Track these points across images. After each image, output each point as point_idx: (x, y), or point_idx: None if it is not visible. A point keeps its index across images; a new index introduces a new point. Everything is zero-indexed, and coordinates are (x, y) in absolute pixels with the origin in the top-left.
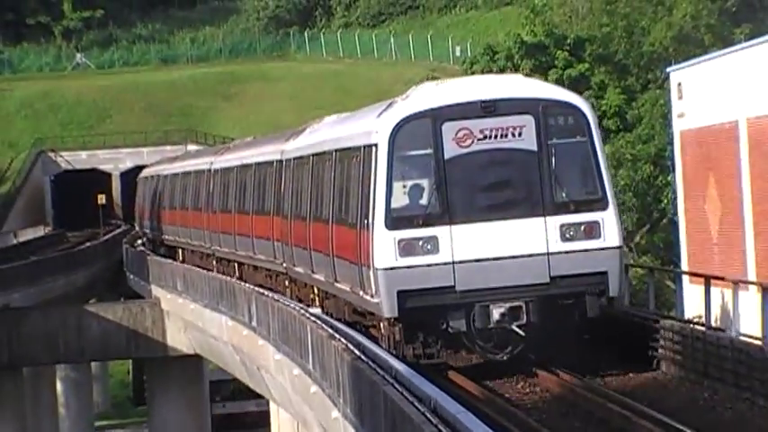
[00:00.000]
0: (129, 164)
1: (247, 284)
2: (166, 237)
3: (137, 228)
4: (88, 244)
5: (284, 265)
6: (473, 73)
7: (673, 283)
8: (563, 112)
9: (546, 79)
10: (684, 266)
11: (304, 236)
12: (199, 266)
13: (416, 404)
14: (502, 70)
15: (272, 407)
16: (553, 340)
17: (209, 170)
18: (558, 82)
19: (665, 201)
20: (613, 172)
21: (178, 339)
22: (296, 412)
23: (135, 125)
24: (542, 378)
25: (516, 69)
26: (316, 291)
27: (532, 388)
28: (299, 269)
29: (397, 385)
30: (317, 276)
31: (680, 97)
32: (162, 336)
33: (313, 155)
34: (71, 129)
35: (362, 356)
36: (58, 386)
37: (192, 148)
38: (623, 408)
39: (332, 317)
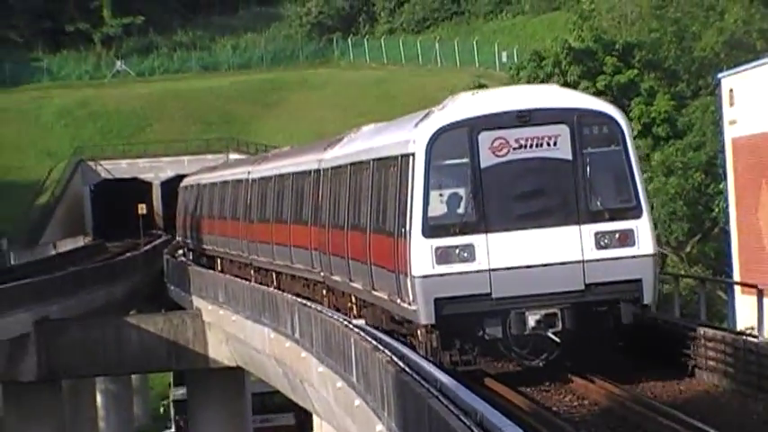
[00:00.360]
0: (169, 173)
1: (289, 295)
2: (206, 247)
3: (178, 238)
4: (128, 254)
5: (322, 273)
6: (520, 79)
7: (724, 294)
8: (597, 121)
9: (594, 85)
10: (736, 276)
11: (342, 244)
12: (237, 276)
13: (462, 417)
14: (549, 76)
15: (316, 420)
16: (589, 347)
17: (247, 179)
18: (607, 88)
19: (717, 209)
20: (664, 180)
21: (219, 351)
22: (339, 425)
23: (175, 133)
24: (588, 389)
25: (564, 75)
26: (353, 299)
27: (580, 401)
28: (336, 278)
29: (441, 398)
30: (354, 284)
31: (731, 104)
32: (203, 348)
33: (351, 164)
34: (111, 137)
35: (407, 369)
36: (98, 399)
37: (233, 156)
38: (675, 422)
39: (369, 325)
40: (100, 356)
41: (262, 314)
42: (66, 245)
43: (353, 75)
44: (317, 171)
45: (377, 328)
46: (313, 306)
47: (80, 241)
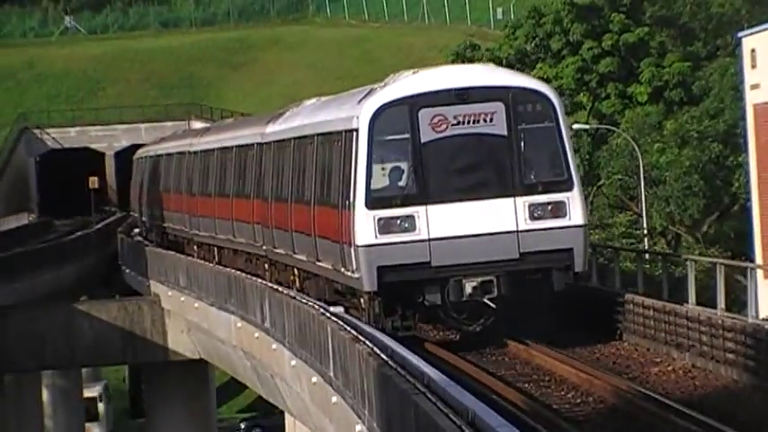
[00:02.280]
0: (124, 142)
1: (259, 280)
2: (161, 224)
3: (133, 214)
4: (78, 234)
5: (264, 247)
6: (516, 39)
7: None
8: (531, 99)
9: (600, 45)
10: (758, 259)
11: (285, 218)
12: (176, 251)
13: (452, 416)
14: (549, 35)
15: (288, 419)
16: (524, 313)
17: (189, 152)
18: (614, 48)
19: (737, 184)
20: (677, 151)
21: (180, 342)
22: (315, 425)
23: (131, 98)
24: (595, 386)
25: (566, 34)
26: (296, 272)
27: (584, 398)
28: (279, 251)
29: (429, 395)
30: (298, 257)
31: (753, 66)
32: (162, 338)
33: (294, 138)
34: (59, 103)
35: (390, 362)
36: (45, 395)
37: (196, 124)
38: (692, 423)
39: (312, 298)
40: (47, 348)
41: (228, 300)
42: (9, 223)
43: (331, 33)
44: (260, 145)
45: (319, 300)
46: (285, 292)
47: (24, 219)
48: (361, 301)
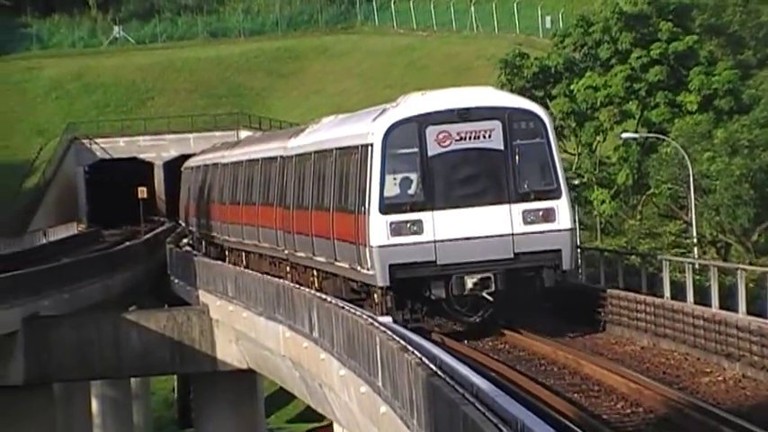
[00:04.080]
0: (173, 152)
1: (307, 290)
2: (214, 234)
3: (182, 225)
4: (127, 244)
5: (286, 251)
6: (564, 47)
7: None
8: (525, 117)
9: (649, 54)
10: None
11: (306, 223)
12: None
13: (501, 426)
14: (598, 44)
15: (337, 429)
16: (518, 306)
17: (220, 163)
18: (663, 57)
19: None
20: (727, 160)
21: (229, 352)
22: None
23: (180, 108)
24: (645, 396)
25: (614, 43)
26: (315, 273)
27: (634, 408)
28: (300, 254)
29: (478, 404)
30: (318, 258)
31: None
32: (210, 348)
33: (315, 152)
34: (108, 113)
35: (439, 372)
36: (94, 405)
37: (244, 133)
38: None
39: (329, 295)
40: (95, 358)
41: (276, 310)
42: (59, 233)
43: (379, 42)
44: (283, 157)
45: (337, 297)
46: (334, 302)
47: (73, 229)
48: (375, 296)
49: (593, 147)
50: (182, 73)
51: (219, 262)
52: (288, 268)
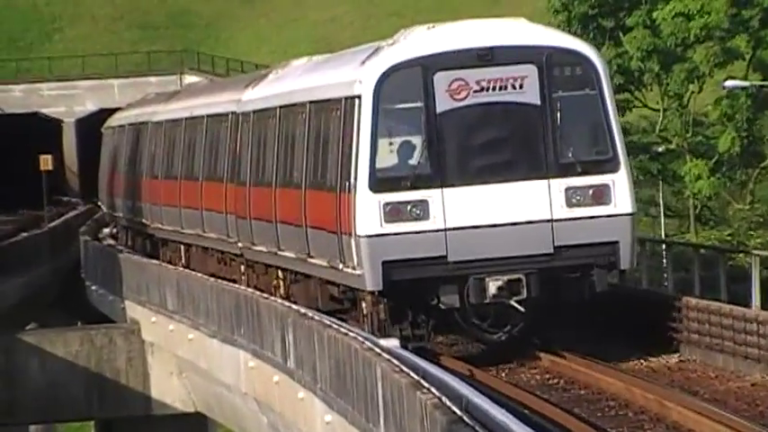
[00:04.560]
0: (89, 106)
1: (279, 301)
2: (139, 219)
3: (102, 208)
4: (24, 235)
5: (240, 244)
6: None
7: None
8: (570, 61)
9: None
10: None
11: (268, 206)
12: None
13: None
14: None
15: None
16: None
17: (151, 122)
18: None
19: None
20: None
21: (168, 389)
22: None
23: (99, 44)
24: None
25: None
26: (280, 275)
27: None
28: (259, 248)
29: None
30: (284, 254)
31: None
32: (142, 383)
33: (280, 107)
34: None
35: (465, 417)
36: None
37: (191, 80)
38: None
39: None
40: None
41: (235, 330)
42: None
43: None
44: (236, 114)
45: (310, 309)
46: (317, 318)
47: None
48: (363, 305)
49: (685, 100)
50: None
51: (155, 261)
52: (242, 267)
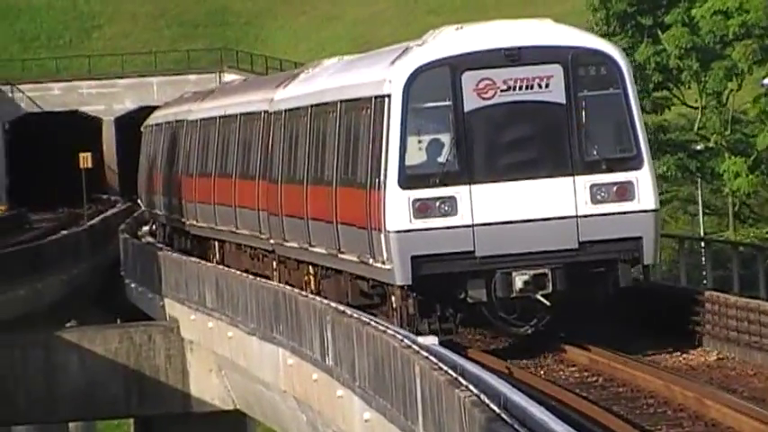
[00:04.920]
0: (129, 104)
1: (318, 299)
2: (178, 217)
3: (142, 205)
4: (64, 233)
5: (272, 241)
6: None
7: None
8: (594, 61)
9: None
10: None
11: (299, 203)
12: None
13: None
14: None
15: None
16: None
17: (187, 121)
18: None
19: None
20: None
21: (207, 386)
22: None
23: (139, 42)
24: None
25: None
26: (310, 270)
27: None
28: (291, 244)
29: None
30: (315, 249)
31: None
32: (181, 380)
33: (312, 106)
34: (37, 48)
35: (503, 414)
36: None
37: (230, 78)
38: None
39: (334, 301)
40: (18, 395)
41: (274, 328)
42: None
43: None
44: (268, 113)
45: (341, 303)
46: (356, 315)
47: None
48: (392, 299)
49: (724, 97)
50: None
51: (194, 259)
52: (274, 263)
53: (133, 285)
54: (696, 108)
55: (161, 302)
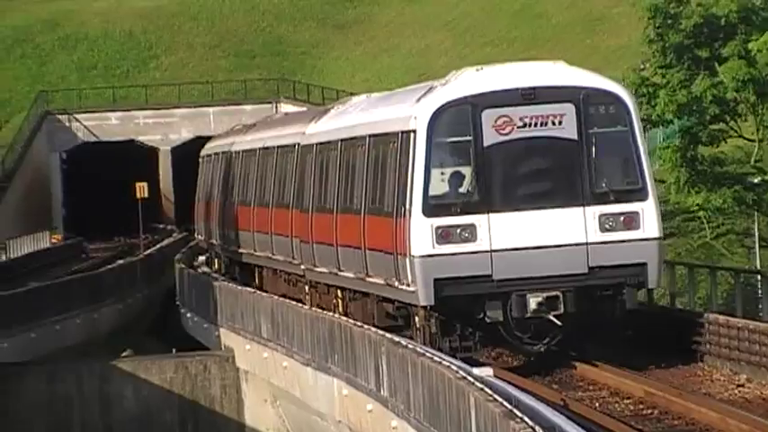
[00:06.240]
0: (185, 134)
1: (373, 329)
2: (232, 246)
3: (198, 235)
4: (120, 262)
5: (303, 266)
6: None
7: None
8: (604, 100)
9: None
10: None
11: (329, 230)
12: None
13: None
14: None
15: None
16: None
17: (232, 151)
18: None
19: None
20: None
21: (263, 416)
22: None
23: (196, 71)
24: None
25: None
26: (339, 294)
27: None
28: (321, 269)
29: None
30: (344, 274)
31: None
32: (237, 410)
33: (342, 140)
34: (94, 77)
35: None
36: None
37: (287, 109)
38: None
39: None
40: (74, 422)
41: (329, 358)
42: (23, 246)
43: None
44: (301, 146)
45: (367, 323)
46: (411, 346)
47: (45, 240)
48: (416, 319)
49: None
50: (199, 21)
51: (250, 289)
52: (306, 288)
53: (189, 315)
54: (753, 141)
55: (216, 332)
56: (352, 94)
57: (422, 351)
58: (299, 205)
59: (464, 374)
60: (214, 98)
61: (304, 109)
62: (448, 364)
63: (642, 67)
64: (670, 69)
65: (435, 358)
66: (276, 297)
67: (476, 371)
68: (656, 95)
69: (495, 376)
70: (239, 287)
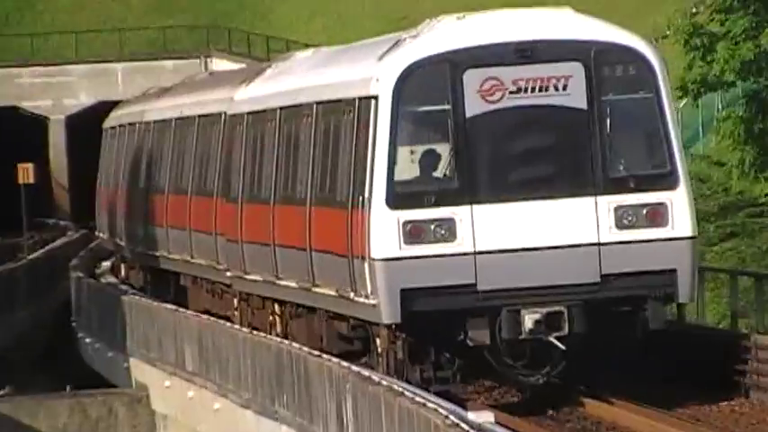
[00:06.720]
0: (84, 99)
1: (336, 360)
2: (145, 249)
3: (100, 234)
4: None
5: (229, 273)
6: None
7: None
8: (623, 59)
9: None
10: None
11: (265, 226)
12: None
13: None
14: None
15: None
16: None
17: (141, 123)
18: None
19: None
20: None
21: None
22: None
23: (98, 17)
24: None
25: None
26: (277, 309)
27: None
28: (253, 276)
29: None
30: (284, 283)
31: None
32: None
33: (281, 108)
34: None
35: None
36: None
37: (221, 65)
38: None
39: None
40: None
41: (276, 398)
42: None
43: None
44: (228, 116)
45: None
46: (385, 382)
47: None
48: (378, 341)
49: None
50: None
51: (170, 306)
52: (234, 301)
53: (88, 341)
54: None
55: (125, 364)
56: (307, 45)
57: (399, 389)
58: (225, 193)
59: (456, 420)
60: (123, 51)
61: (243, 66)
62: (434, 406)
63: (695, 10)
64: (732, 15)
65: (418, 399)
66: (204, 317)
67: (471, 416)
68: (714, 49)
69: (498, 423)
70: (156, 303)
